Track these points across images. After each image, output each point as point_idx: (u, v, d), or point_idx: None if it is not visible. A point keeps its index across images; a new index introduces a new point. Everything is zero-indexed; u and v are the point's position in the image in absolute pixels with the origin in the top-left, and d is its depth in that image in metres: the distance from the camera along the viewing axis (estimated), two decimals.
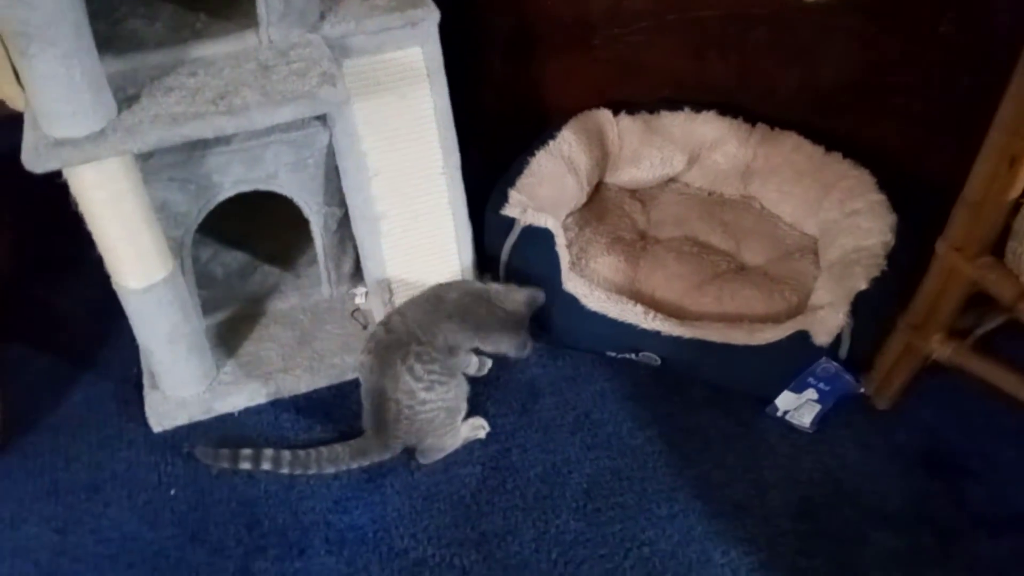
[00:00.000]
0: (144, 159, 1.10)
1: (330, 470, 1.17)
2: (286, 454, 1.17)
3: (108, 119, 0.96)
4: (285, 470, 1.17)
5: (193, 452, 1.20)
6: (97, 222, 1.05)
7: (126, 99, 0.99)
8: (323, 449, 1.17)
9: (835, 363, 1.16)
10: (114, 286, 1.12)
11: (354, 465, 1.18)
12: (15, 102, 1.75)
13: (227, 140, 1.15)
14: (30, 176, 0.96)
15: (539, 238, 1.28)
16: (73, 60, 0.91)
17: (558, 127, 1.48)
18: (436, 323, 1.16)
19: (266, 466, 1.17)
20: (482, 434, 1.23)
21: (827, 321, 1.17)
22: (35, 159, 0.93)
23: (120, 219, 1.04)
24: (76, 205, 1.04)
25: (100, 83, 0.95)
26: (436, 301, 1.19)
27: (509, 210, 1.32)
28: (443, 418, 1.16)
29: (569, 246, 1.38)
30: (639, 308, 1.26)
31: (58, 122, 0.94)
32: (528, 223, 1.29)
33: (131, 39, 1.07)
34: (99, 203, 1.02)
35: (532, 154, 1.42)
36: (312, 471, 1.17)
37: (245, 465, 1.17)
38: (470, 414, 1.24)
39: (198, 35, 1.08)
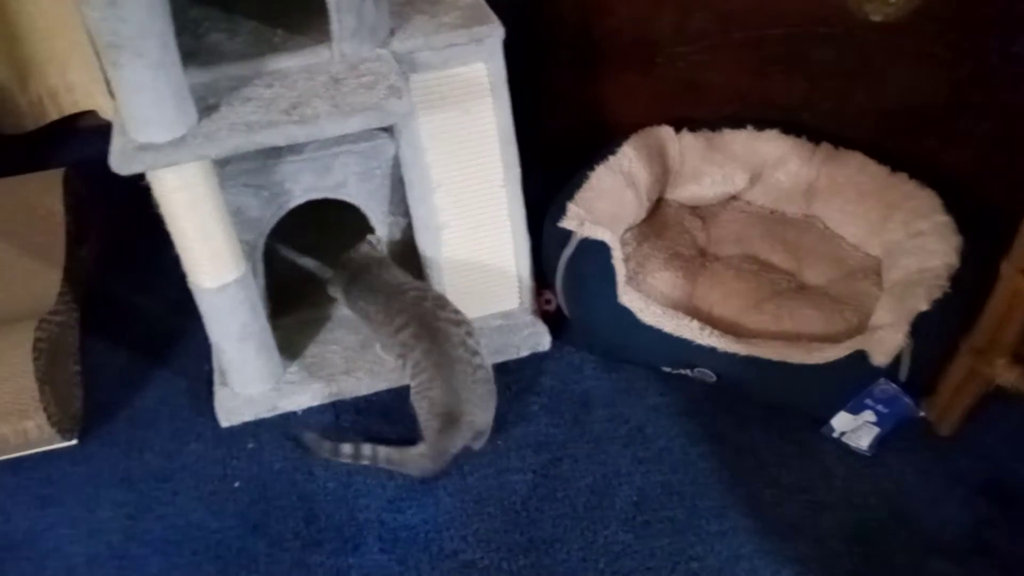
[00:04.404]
0: (221, 165, 1.16)
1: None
2: (381, 450, 1.21)
3: (189, 126, 1.02)
4: (365, 462, 1.22)
5: (300, 437, 1.25)
6: (176, 224, 1.11)
7: (206, 108, 1.05)
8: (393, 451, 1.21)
9: (894, 385, 1.14)
10: (190, 285, 1.18)
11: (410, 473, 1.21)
12: (106, 112, 1.86)
13: (299, 149, 1.21)
14: (116, 180, 1.02)
15: (595, 251, 1.30)
16: (159, 70, 0.97)
17: (619, 143, 1.50)
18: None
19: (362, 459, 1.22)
20: None
21: (886, 341, 1.16)
22: (121, 162, 1.00)
23: (198, 221, 1.10)
24: (157, 207, 1.10)
25: (183, 92, 1.01)
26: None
27: (567, 223, 1.33)
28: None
29: (627, 260, 1.39)
30: (695, 324, 1.26)
31: (143, 128, 1.00)
32: (585, 236, 1.31)
33: (213, 52, 1.13)
34: (179, 205, 1.08)
35: (592, 168, 1.44)
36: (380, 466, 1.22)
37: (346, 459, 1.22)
38: (522, 423, 1.26)
39: (275, 49, 1.14)
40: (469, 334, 1.18)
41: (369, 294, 1.24)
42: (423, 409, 1.17)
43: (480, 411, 1.19)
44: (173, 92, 0.99)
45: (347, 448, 1.22)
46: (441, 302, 1.20)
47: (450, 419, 1.16)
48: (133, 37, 0.93)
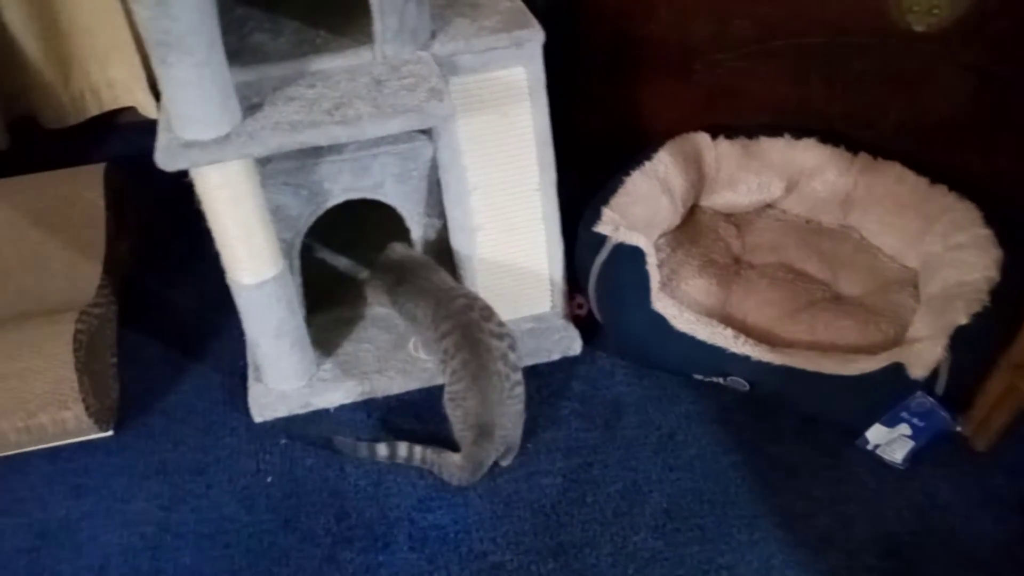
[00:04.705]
0: (262, 164, 1.17)
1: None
2: (417, 449, 1.22)
3: (233, 124, 1.03)
4: (400, 461, 1.23)
5: (332, 442, 1.26)
6: (218, 220, 1.12)
7: (250, 107, 1.06)
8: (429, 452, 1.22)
9: (930, 398, 1.13)
10: (228, 281, 1.19)
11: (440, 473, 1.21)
12: (145, 109, 1.89)
13: (339, 150, 1.22)
14: (154, 175, 1.03)
15: (630, 256, 1.30)
16: (205, 69, 0.98)
17: (655, 148, 1.49)
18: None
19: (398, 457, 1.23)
20: None
21: (924, 354, 1.15)
22: (167, 158, 1.01)
23: (239, 219, 1.12)
24: (199, 204, 1.11)
25: (228, 91, 1.02)
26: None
27: (601, 227, 1.33)
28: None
29: (660, 266, 1.39)
30: (729, 332, 1.26)
31: (189, 125, 1.02)
32: (619, 241, 1.30)
33: (257, 52, 1.15)
34: (221, 202, 1.10)
35: (627, 174, 1.44)
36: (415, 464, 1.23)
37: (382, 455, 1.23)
38: (552, 427, 1.26)
39: (318, 50, 1.15)
40: (512, 348, 1.17)
41: (418, 297, 1.23)
42: (457, 419, 1.18)
43: (512, 426, 1.19)
44: (219, 90, 1.01)
45: (383, 449, 1.23)
46: (487, 313, 1.19)
47: (484, 431, 1.16)
48: (182, 35, 0.95)
